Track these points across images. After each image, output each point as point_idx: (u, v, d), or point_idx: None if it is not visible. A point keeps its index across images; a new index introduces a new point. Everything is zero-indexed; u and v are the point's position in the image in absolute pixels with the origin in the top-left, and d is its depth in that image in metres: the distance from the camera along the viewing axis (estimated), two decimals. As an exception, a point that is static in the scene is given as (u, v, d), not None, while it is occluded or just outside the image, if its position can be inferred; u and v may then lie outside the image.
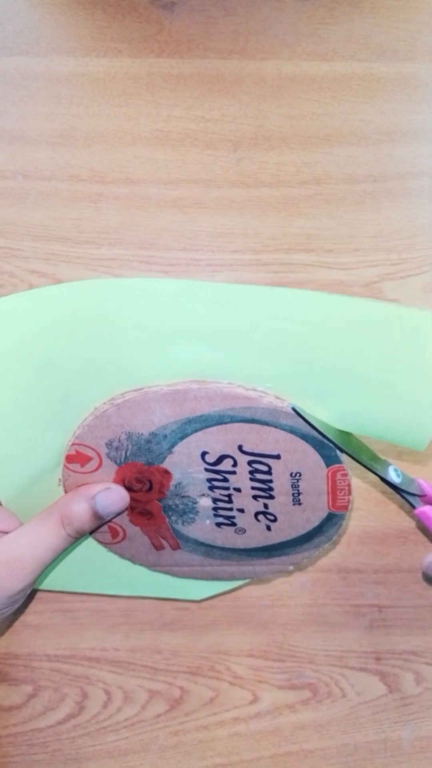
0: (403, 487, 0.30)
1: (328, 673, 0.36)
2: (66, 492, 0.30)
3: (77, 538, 0.29)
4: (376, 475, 0.29)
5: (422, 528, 0.36)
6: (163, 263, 0.35)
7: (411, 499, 0.30)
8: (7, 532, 0.29)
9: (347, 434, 0.29)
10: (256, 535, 0.31)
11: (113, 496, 0.29)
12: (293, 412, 0.28)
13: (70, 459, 0.29)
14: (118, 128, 0.35)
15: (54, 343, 0.27)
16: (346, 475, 0.29)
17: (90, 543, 0.32)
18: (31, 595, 0.35)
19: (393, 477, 0.30)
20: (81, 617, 0.35)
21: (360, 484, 0.35)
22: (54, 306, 0.27)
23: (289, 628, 0.36)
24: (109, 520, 0.30)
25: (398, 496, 0.30)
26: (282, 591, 0.36)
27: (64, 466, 0.29)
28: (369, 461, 0.29)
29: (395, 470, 0.30)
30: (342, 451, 0.28)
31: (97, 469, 0.29)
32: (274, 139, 0.36)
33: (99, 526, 0.30)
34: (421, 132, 0.36)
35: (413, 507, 0.30)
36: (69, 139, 0.35)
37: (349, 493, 0.30)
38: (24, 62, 0.35)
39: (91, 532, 0.31)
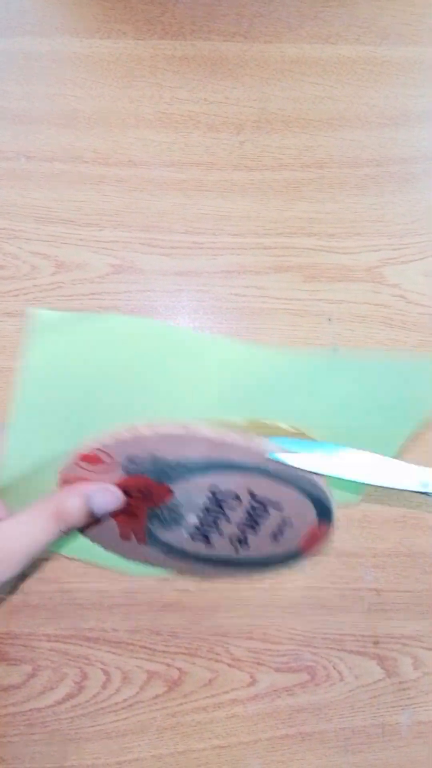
0: None
1: (326, 656, 0.36)
2: (61, 485, 0.30)
3: (68, 533, 0.28)
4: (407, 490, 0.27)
5: None
6: (165, 246, 0.35)
7: None
8: None
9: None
10: (222, 552, 0.31)
11: (108, 497, 0.29)
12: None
13: (84, 458, 0.29)
14: (121, 110, 0.35)
15: (115, 359, 0.27)
16: (327, 531, 0.30)
17: None
18: (31, 575, 0.35)
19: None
20: (81, 597, 0.36)
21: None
22: (134, 332, 0.27)
23: (288, 611, 0.36)
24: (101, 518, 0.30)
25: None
26: (281, 574, 0.36)
27: (75, 462, 0.29)
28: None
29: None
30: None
31: (105, 472, 0.29)
32: (276, 123, 0.36)
33: (91, 523, 0.30)
34: (425, 116, 0.36)
35: None
36: (72, 121, 0.35)
37: (322, 543, 0.31)
38: (28, 42, 0.35)
39: (83, 529, 0.31)
